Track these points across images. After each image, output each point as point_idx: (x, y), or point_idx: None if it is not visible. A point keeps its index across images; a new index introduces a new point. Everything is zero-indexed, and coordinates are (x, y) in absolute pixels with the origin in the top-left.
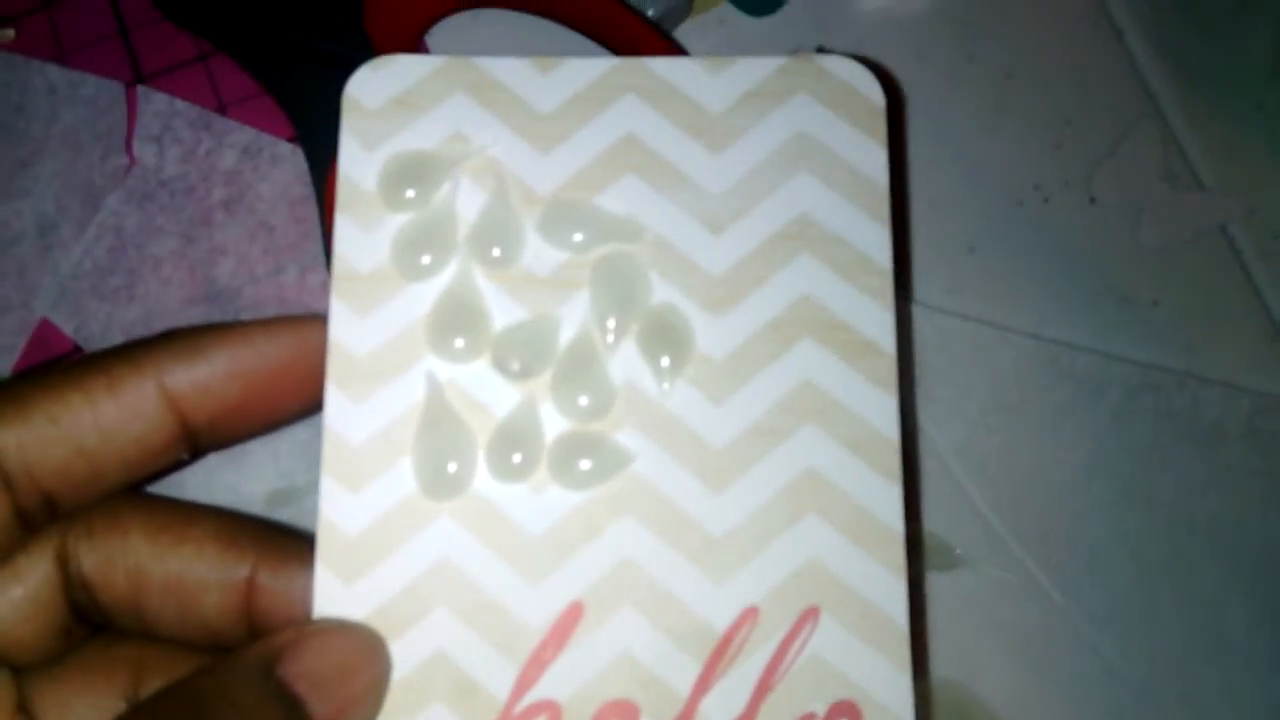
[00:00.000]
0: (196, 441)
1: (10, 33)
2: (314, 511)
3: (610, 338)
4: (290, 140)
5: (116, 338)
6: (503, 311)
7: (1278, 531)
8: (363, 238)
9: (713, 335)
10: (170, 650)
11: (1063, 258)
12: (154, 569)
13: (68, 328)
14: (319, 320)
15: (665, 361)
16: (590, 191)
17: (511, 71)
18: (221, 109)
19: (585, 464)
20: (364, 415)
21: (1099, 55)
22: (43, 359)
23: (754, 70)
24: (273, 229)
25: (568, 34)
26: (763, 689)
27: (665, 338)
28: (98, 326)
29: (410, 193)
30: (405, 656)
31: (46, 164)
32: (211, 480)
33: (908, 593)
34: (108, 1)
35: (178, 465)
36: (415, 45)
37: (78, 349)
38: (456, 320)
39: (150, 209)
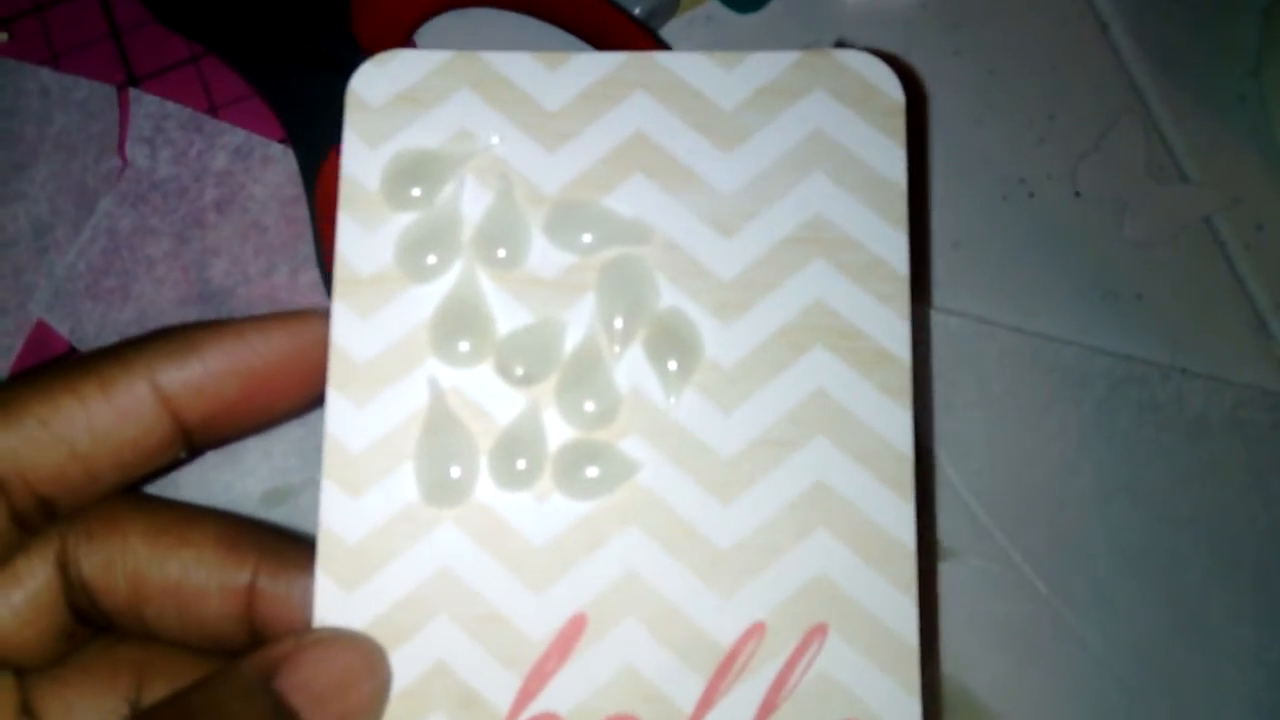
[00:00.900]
0: (192, 440)
1: (3, 36)
2: (309, 510)
3: (616, 343)
4: (281, 141)
5: (111, 338)
6: (507, 315)
7: (1261, 523)
8: (366, 238)
9: (722, 342)
10: (173, 652)
11: (1047, 251)
12: (154, 573)
13: (63, 329)
14: (313, 315)
15: (673, 368)
16: (598, 191)
17: (518, 67)
18: (213, 110)
19: (590, 473)
20: (365, 420)
21: (1083, 49)
22: (39, 360)
23: (768, 65)
24: (265, 229)
25: (554, 32)
26: (768, 707)
27: (673, 344)
28: (93, 327)
29: (415, 191)
30: (406, 666)
31: (40, 167)
32: (207, 479)
33: (918, 607)
34: (99, 4)
35: (176, 464)
36: (403, 45)
37: (73, 350)
38: (460, 324)
39: (143, 210)
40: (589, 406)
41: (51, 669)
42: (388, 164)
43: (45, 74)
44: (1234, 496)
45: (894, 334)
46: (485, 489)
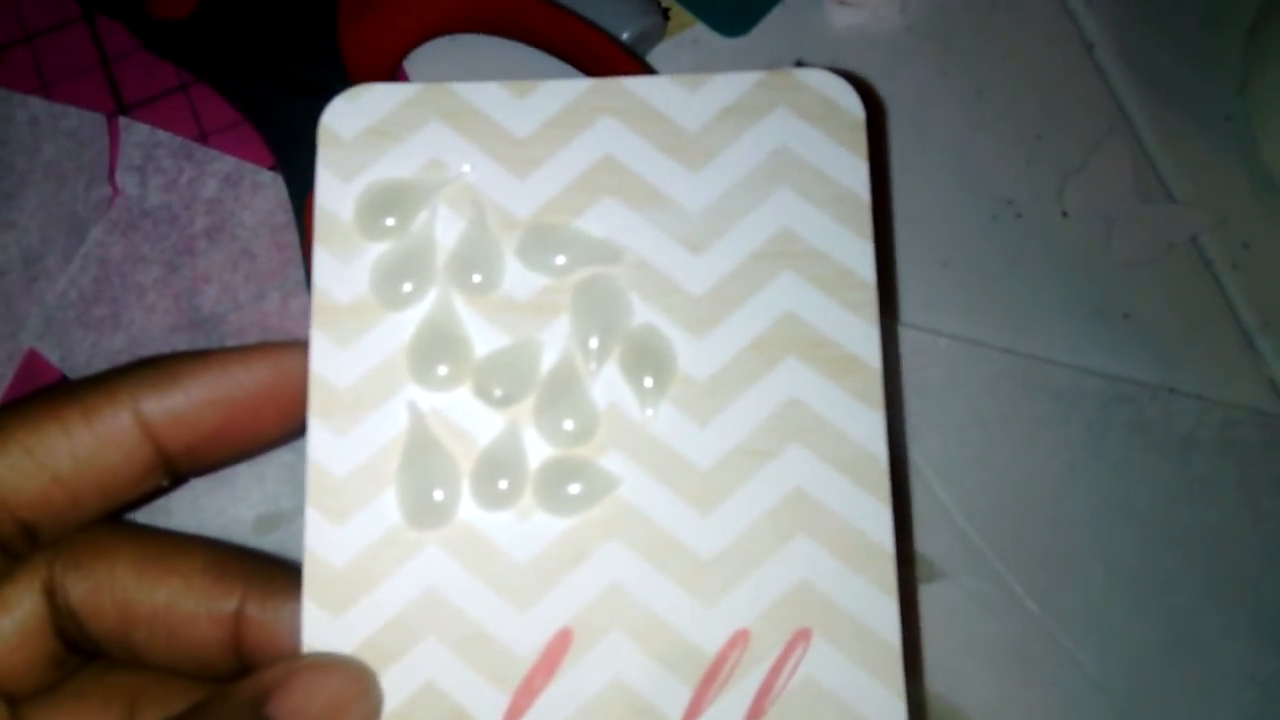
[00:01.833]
0: (175, 469)
1: None
2: (302, 535)
3: (592, 362)
4: (271, 168)
5: (102, 366)
6: (484, 338)
7: (1251, 541)
8: (342, 269)
9: (696, 356)
10: (165, 678)
11: (1036, 272)
12: (142, 600)
13: (54, 357)
14: (296, 346)
15: (648, 383)
16: (569, 215)
17: (487, 96)
18: (203, 138)
19: (571, 489)
20: (347, 447)
21: (1069, 70)
22: (31, 389)
23: (731, 86)
24: (255, 256)
25: (543, 58)
26: (755, 713)
27: (648, 360)
28: (84, 356)
29: (389, 221)
30: (394, 688)
31: (30, 196)
32: (200, 505)
33: (900, 612)
34: (89, 33)
35: (159, 491)
36: (392, 72)
37: (65, 379)
38: (438, 348)
39: (134, 238)
40: (568, 424)
41: (43, 696)
42: (361, 195)
43: (35, 103)
44: (1225, 515)
45: (864, 341)
46: (468, 510)
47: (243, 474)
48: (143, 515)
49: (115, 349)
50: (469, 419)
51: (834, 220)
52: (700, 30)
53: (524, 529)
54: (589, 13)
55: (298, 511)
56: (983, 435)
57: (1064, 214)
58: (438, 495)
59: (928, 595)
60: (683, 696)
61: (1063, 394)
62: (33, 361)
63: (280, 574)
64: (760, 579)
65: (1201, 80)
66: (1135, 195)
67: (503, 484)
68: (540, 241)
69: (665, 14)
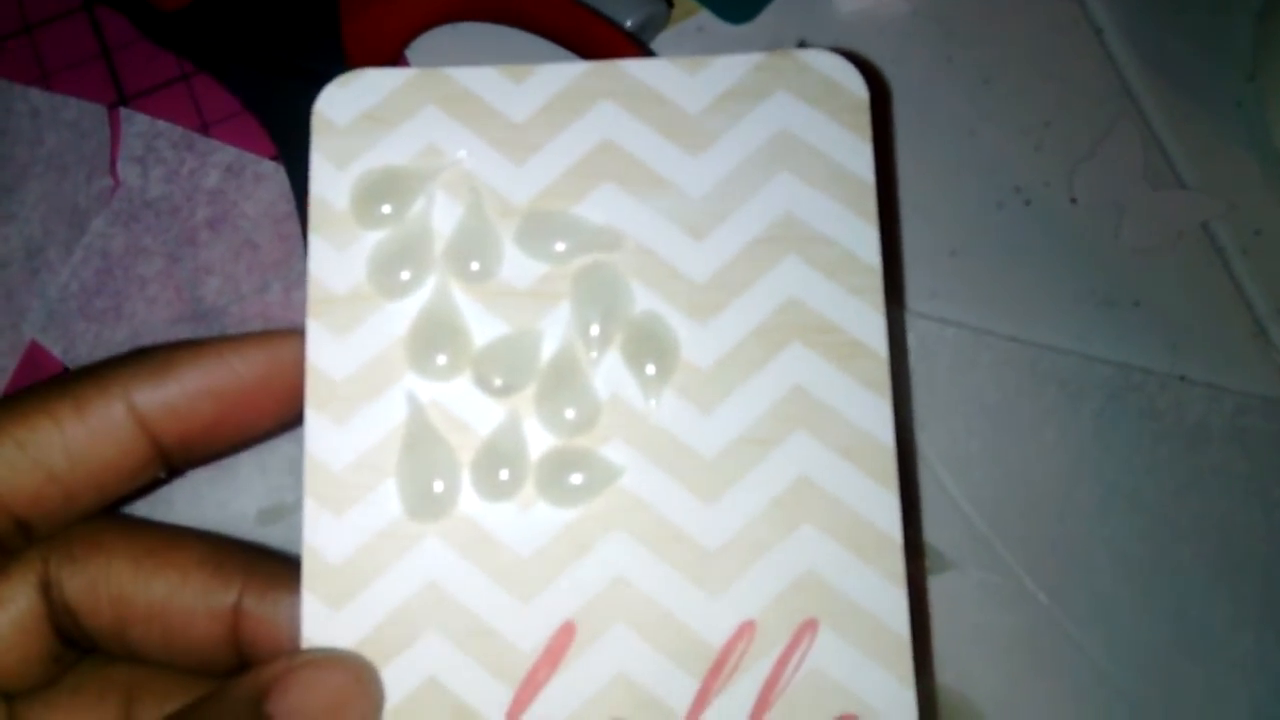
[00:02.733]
0: (170, 461)
1: None
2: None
3: (593, 349)
4: (273, 158)
5: (104, 358)
6: (483, 326)
7: (1261, 531)
8: (338, 257)
9: (698, 343)
10: (162, 673)
11: (1044, 259)
12: (138, 595)
13: (56, 349)
14: (292, 335)
15: (651, 371)
16: (568, 201)
17: (483, 81)
18: (204, 128)
19: (573, 480)
20: (345, 438)
21: (1078, 55)
22: (33, 381)
23: (731, 69)
24: (257, 247)
25: (545, 46)
26: (762, 705)
27: (650, 347)
28: (86, 347)
29: (385, 209)
30: (396, 683)
31: (31, 187)
32: (201, 497)
33: (909, 601)
34: (89, 23)
35: (156, 484)
36: (394, 61)
37: (67, 370)
38: (436, 337)
39: (136, 230)
40: (569, 414)
41: (40, 692)
42: (356, 183)
43: (35, 94)
44: (1235, 504)
45: (869, 326)
46: (469, 501)
47: (245, 466)
48: (143, 508)
49: (117, 341)
50: (469, 409)
51: (838, 204)
52: (704, 17)
53: (526, 520)
54: (592, 0)
55: (300, 504)
56: (991, 425)
57: (1073, 201)
58: (438, 486)
59: (936, 586)
60: (689, 689)
61: (1071, 383)
62: (35, 353)
63: (279, 567)
64: (766, 569)
65: (1212, 66)
66: (1145, 182)
67: (504, 474)
68: (539, 228)
69: (669, 0)
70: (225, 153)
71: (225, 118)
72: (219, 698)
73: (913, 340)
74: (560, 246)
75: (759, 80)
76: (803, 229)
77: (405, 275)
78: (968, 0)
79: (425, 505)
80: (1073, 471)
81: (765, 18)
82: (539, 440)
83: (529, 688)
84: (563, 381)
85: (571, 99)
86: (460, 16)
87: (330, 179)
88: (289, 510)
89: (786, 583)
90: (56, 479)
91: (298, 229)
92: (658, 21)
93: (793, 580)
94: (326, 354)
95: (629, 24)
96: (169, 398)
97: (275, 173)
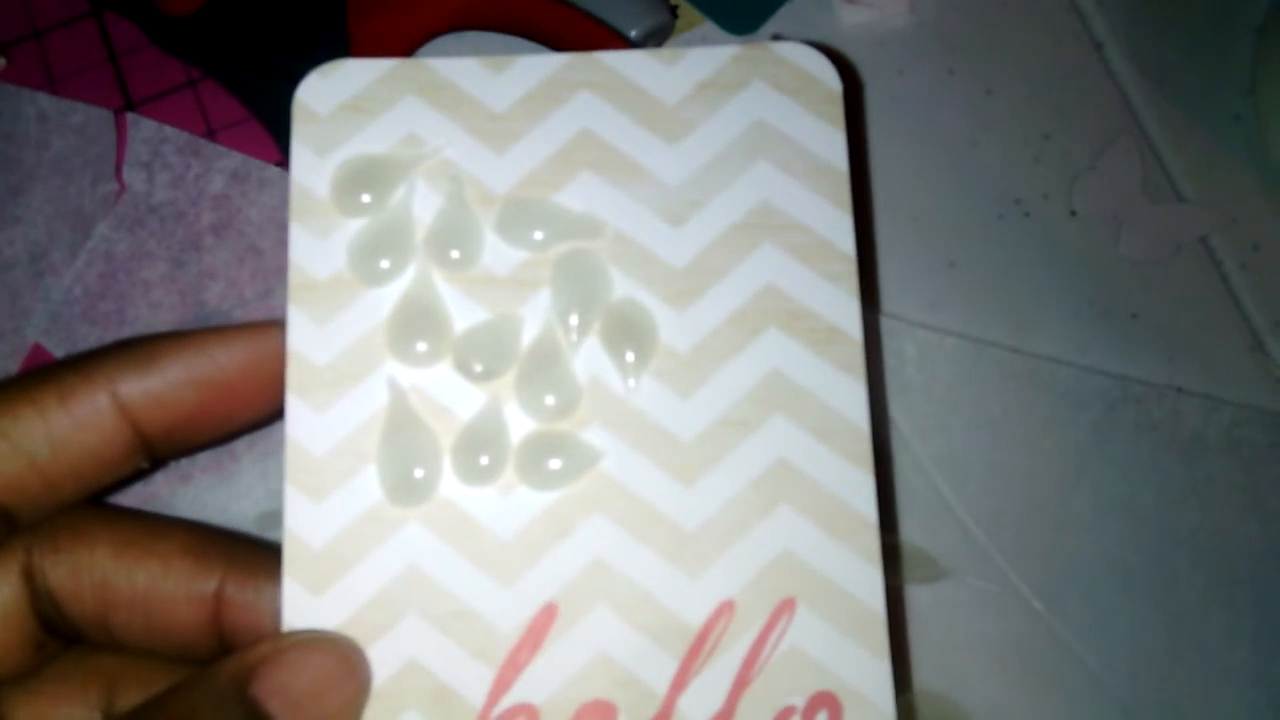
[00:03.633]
0: (154, 451)
1: (1, 60)
2: None
3: (573, 335)
4: (278, 164)
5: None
6: (463, 313)
7: (1258, 542)
8: (318, 245)
9: (677, 328)
10: (145, 662)
11: (1043, 271)
12: (121, 583)
13: (59, 353)
14: (274, 326)
15: (630, 357)
16: (547, 189)
17: (463, 72)
18: (210, 134)
19: (553, 464)
20: (326, 424)
21: (1078, 69)
22: None
23: (708, 60)
24: (261, 252)
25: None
26: (741, 683)
27: (629, 333)
28: None
29: (365, 197)
30: (378, 666)
31: (37, 191)
32: (203, 501)
33: (884, 583)
34: (97, 29)
35: (139, 474)
36: None
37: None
38: (417, 324)
39: (140, 234)
40: (549, 399)
41: (22, 680)
42: (337, 171)
43: (43, 98)
44: (1231, 516)
45: (844, 312)
46: (449, 486)
47: (246, 471)
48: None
49: None
50: (449, 395)
51: (812, 192)
52: (708, 28)
53: (506, 504)
54: (597, 10)
55: None
56: (989, 435)
57: (1072, 214)
58: (418, 472)
59: (932, 594)
60: (669, 668)
61: (1069, 394)
62: (38, 357)
63: (260, 555)
64: (744, 550)
65: (1211, 80)
66: (1144, 195)
67: (484, 460)
68: (519, 216)
69: (674, 11)
70: (231, 158)
71: (231, 124)
72: (203, 679)
73: (912, 350)
74: (540, 234)
75: (735, 71)
76: (779, 217)
77: (385, 263)
78: (969, 13)
79: (406, 490)
80: (1070, 481)
81: (768, 29)
82: (519, 425)
83: (510, 669)
84: (543, 367)
85: (551, 89)
86: (466, 25)
87: (311, 167)
88: None
89: (764, 563)
90: (39, 467)
91: None
92: (663, 32)
93: (770, 560)
94: (307, 340)
95: (633, 34)
96: (153, 388)
97: (280, 178)
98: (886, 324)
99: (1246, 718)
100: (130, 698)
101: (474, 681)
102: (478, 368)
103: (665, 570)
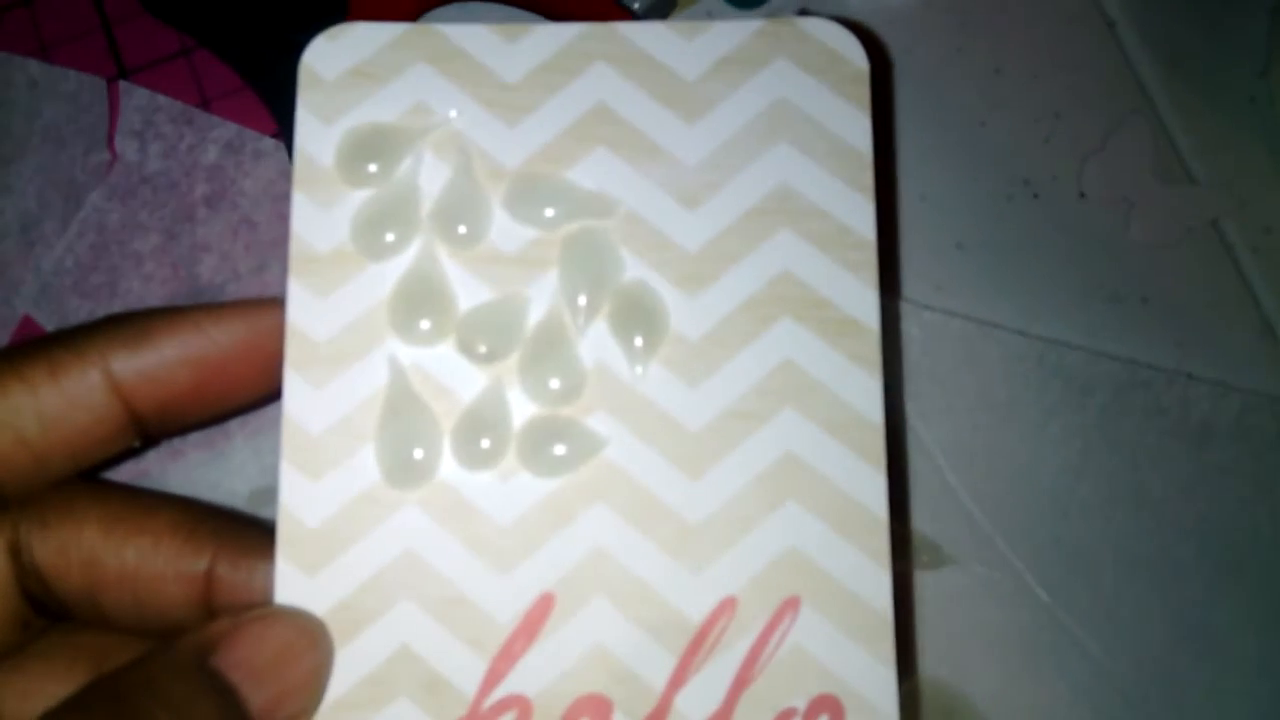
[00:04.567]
0: (146, 429)
1: None
2: None
3: (581, 318)
4: (273, 136)
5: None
6: (468, 292)
7: (1266, 531)
8: (321, 216)
9: (688, 314)
10: (133, 640)
11: (1052, 253)
12: (109, 560)
13: (49, 325)
14: (272, 304)
15: (638, 342)
16: (559, 165)
17: (476, 39)
18: (204, 104)
19: (556, 450)
20: (324, 401)
21: (1089, 48)
22: None
23: (730, 34)
24: (255, 225)
25: None
26: (741, 682)
27: (638, 317)
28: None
29: (371, 167)
30: (369, 651)
31: (28, 160)
32: (194, 478)
33: (892, 585)
34: None
35: (131, 453)
36: None
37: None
38: (420, 301)
39: (132, 205)
40: (554, 383)
41: (10, 658)
42: (342, 139)
43: (34, 66)
44: (1239, 503)
45: (862, 302)
46: (449, 469)
47: (239, 448)
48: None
49: None
50: (451, 375)
51: (834, 176)
52: (713, 2)
53: (506, 490)
54: None
55: None
56: (995, 419)
57: (1082, 195)
58: (418, 453)
59: (936, 581)
60: (667, 664)
61: (1077, 378)
62: (27, 329)
63: (252, 533)
64: (749, 545)
65: (1224, 61)
66: (1155, 177)
67: (485, 443)
68: (529, 192)
69: None
70: (225, 129)
71: (226, 93)
72: (164, 651)
73: (918, 332)
74: (550, 212)
75: (758, 47)
76: (798, 201)
77: (390, 237)
78: None
79: (404, 472)
80: (1077, 467)
81: (774, 3)
82: (522, 409)
83: (505, 659)
84: (548, 350)
85: (566, 60)
86: None
87: (316, 134)
88: None
89: (769, 560)
90: (28, 443)
91: None
92: (667, 6)
93: (775, 557)
94: (307, 315)
95: (637, 6)
96: (146, 365)
97: (275, 150)
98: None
99: (1252, 707)
100: None
101: (467, 671)
102: (481, 348)
103: (667, 563)
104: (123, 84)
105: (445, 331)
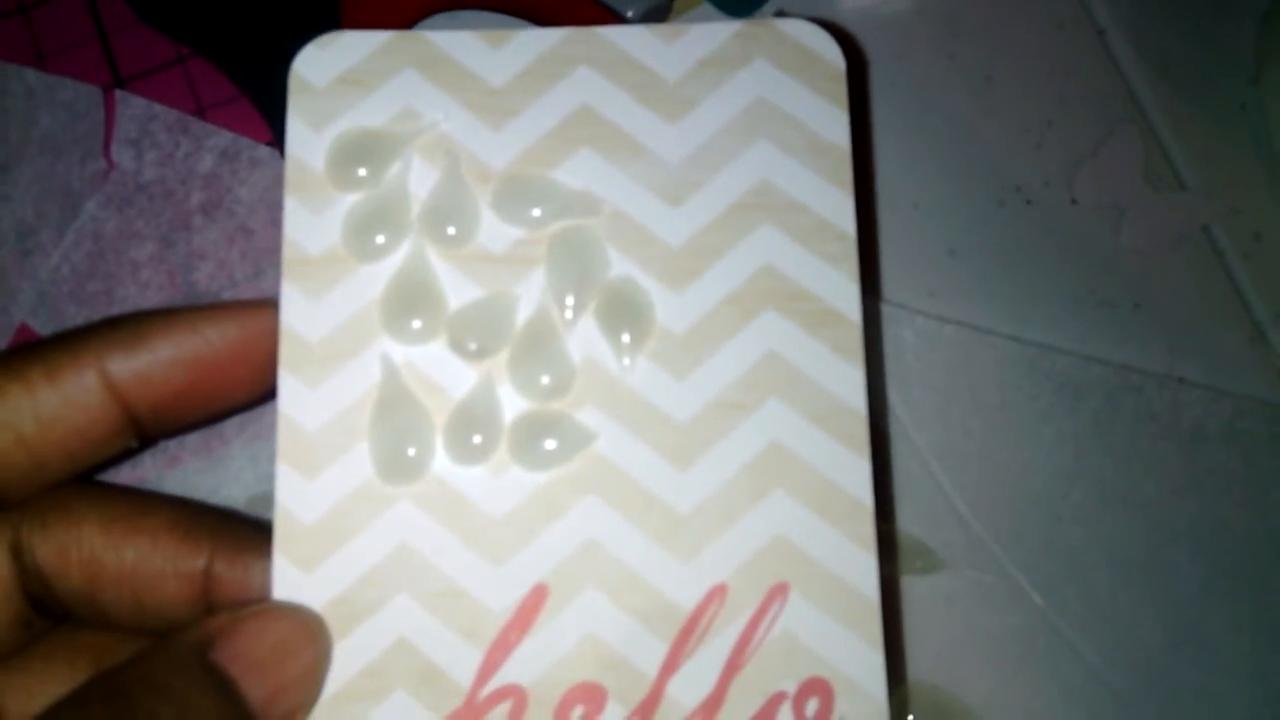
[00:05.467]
0: (142, 430)
1: None
2: None
3: (569, 314)
4: (269, 144)
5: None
6: (458, 291)
7: (1258, 534)
8: (312, 219)
9: (673, 309)
10: (134, 640)
11: (1044, 260)
12: (109, 560)
13: (46, 333)
14: (267, 305)
15: (625, 337)
16: (545, 166)
17: (461, 45)
18: (200, 112)
19: (547, 444)
20: (319, 400)
21: (1080, 55)
22: None
23: (710, 36)
24: (251, 233)
25: None
26: (732, 668)
27: (625, 313)
28: None
29: (361, 171)
30: (367, 644)
31: (25, 169)
32: (191, 485)
33: (878, 569)
34: (85, 5)
35: (127, 453)
36: None
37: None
38: (411, 301)
39: (129, 213)
40: (543, 378)
41: (12, 657)
42: (332, 144)
43: (31, 74)
44: (1231, 507)
45: (843, 294)
46: (442, 464)
47: (235, 454)
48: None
49: None
50: (443, 372)
51: (813, 172)
52: (706, 10)
53: (498, 484)
54: None
55: None
56: (987, 424)
57: (1073, 202)
58: (411, 450)
59: (929, 585)
60: (659, 651)
61: (1069, 383)
62: (24, 337)
63: (250, 531)
64: (737, 533)
65: (1215, 68)
66: (1146, 184)
67: (477, 438)
68: (516, 193)
69: None
70: (221, 137)
71: (221, 102)
72: (164, 646)
73: (911, 338)
74: (537, 211)
75: (737, 48)
76: (779, 197)
77: (380, 239)
78: None
79: (398, 468)
80: (1069, 472)
81: (767, 11)
82: (513, 404)
83: (500, 649)
84: (537, 346)
85: (550, 64)
86: (461, 3)
87: (306, 140)
88: None
89: (758, 547)
90: (26, 444)
91: None
92: (660, 13)
93: (764, 545)
94: (300, 316)
95: (630, 14)
96: (141, 366)
97: (271, 158)
98: (885, 311)
99: (1245, 710)
100: None
101: (462, 662)
102: (472, 346)
103: (657, 553)
104: (119, 93)
105: (436, 330)
